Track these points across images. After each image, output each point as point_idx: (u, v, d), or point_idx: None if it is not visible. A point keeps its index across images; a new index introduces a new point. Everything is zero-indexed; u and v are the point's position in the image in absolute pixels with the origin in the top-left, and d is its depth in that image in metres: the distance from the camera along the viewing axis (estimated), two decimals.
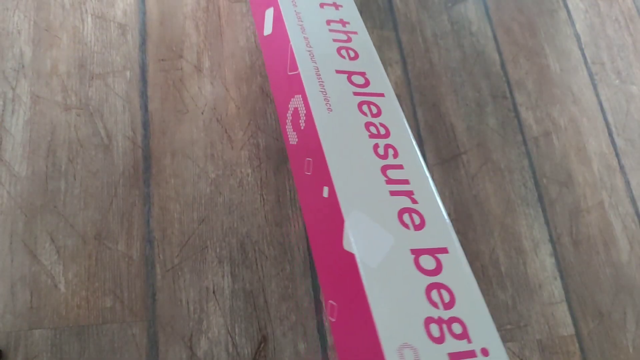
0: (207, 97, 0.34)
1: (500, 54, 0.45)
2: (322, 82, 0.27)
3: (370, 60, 0.30)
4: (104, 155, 0.31)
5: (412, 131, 0.39)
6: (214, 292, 0.29)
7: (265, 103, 0.35)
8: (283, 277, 0.31)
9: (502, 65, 0.45)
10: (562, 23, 0.50)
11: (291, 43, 0.28)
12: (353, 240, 0.23)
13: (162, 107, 0.33)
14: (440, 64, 0.42)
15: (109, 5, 0.34)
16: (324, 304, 0.31)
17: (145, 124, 0.32)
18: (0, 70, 0.31)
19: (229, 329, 0.29)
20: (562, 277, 0.38)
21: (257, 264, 0.31)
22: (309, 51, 0.28)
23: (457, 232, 0.36)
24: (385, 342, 0.21)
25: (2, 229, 0.28)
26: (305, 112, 0.27)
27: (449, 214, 0.37)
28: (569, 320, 0.37)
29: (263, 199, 0.32)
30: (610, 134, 0.46)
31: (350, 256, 0.23)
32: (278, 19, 0.30)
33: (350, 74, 0.28)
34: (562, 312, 0.37)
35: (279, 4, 0.30)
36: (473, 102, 0.42)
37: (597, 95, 0.47)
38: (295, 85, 0.28)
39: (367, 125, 0.27)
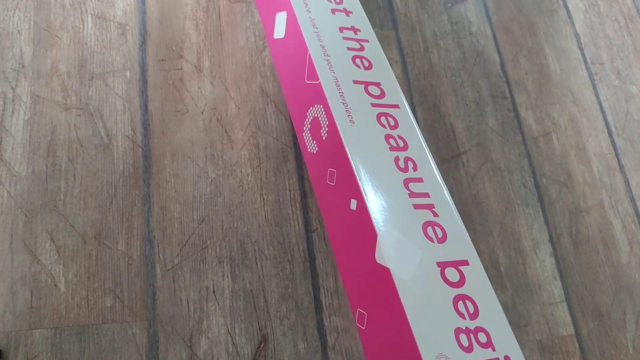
0: (207, 97, 0.34)
1: (500, 54, 0.45)
2: (342, 92, 0.28)
3: (383, 70, 0.30)
4: (104, 155, 0.31)
5: None
6: (214, 291, 0.29)
7: (265, 103, 0.35)
8: (283, 277, 0.31)
9: (502, 65, 0.45)
10: (561, 23, 0.50)
11: (310, 52, 0.29)
12: (387, 254, 0.24)
13: (162, 106, 0.33)
14: (440, 64, 0.42)
15: (109, 5, 0.34)
16: (323, 304, 0.31)
17: (145, 124, 0.32)
18: (1, 70, 0.31)
19: (229, 328, 0.29)
20: (561, 277, 0.38)
21: (257, 264, 0.31)
22: (326, 60, 0.29)
23: None
24: (424, 353, 0.21)
25: (2, 229, 0.28)
26: (327, 122, 0.27)
27: None
28: (568, 320, 0.37)
29: (263, 199, 0.32)
30: (610, 134, 0.46)
31: (384, 269, 0.24)
32: (292, 24, 0.30)
33: (366, 84, 0.29)
34: (561, 312, 0.37)
35: (294, 9, 0.30)
36: (473, 102, 0.42)
37: (597, 96, 0.47)
38: (315, 95, 0.28)
39: (387, 137, 0.27)
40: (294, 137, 0.35)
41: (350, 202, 0.26)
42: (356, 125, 0.27)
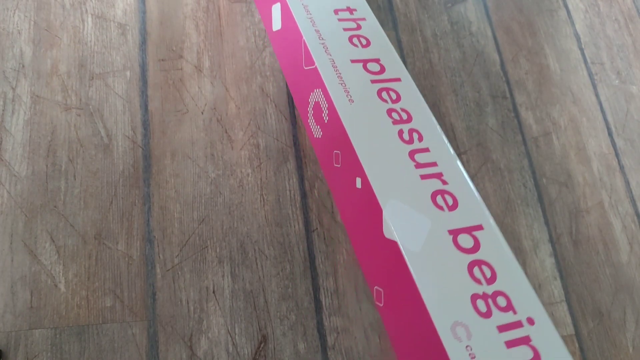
0: (207, 97, 0.34)
1: (500, 54, 0.45)
2: (339, 74, 0.28)
3: (382, 46, 0.30)
4: (104, 155, 0.31)
5: None
6: (214, 291, 0.29)
7: (265, 103, 0.35)
8: (283, 277, 0.31)
9: (502, 65, 0.45)
10: (561, 23, 0.50)
11: (304, 38, 0.29)
12: (393, 228, 0.24)
13: (162, 106, 0.33)
14: (440, 64, 0.42)
15: (109, 5, 0.34)
16: (323, 304, 0.31)
17: (146, 124, 0.32)
18: (1, 70, 0.31)
19: (229, 328, 0.29)
20: (561, 277, 0.38)
21: (257, 264, 0.31)
22: (322, 44, 0.29)
23: None
24: (438, 323, 0.21)
25: (2, 229, 0.28)
26: (327, 105, 0.28)
27: None
28: (568, 320, 0.37)
29: (263, 199, 0.32)
30: (610, 134, 0.46)
31: (393, 243, 0.24)
32: (286, 14, 0.31)
33: (365, 62, 0.29)
34: (561, 312, 0.37)
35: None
36: (473, 102, 0.42)
37: (597, 95, 0.47)
38: (314, 80, 0.28)
39: (389, 111, 0.27)
40: (294, 137, 0.35)
41: (355, 181, 0.26)
42: (356, 103, 0.27)
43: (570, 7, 0.51)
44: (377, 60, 0.29)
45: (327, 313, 0.31)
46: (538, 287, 0.37)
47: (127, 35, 0.34)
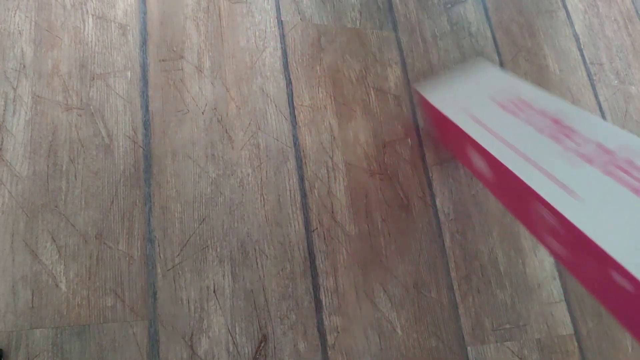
0: (208, 97, 0.34)
1: (499, 54, 0.45)
2: (551, 175, 0.25)
3: (584, 122, 0.27)
4: (105, 155, 0.31)
5: (411, 132, 0.39)
6: (214, 291, 0.30)
7: (265, 103, 0.35)
8: (283, 277, 0.31)
9: (502, 66, 0.45)
10: (561, 24, 0.50)
11: (509, 167, 0.27)
12: None
13: (163, 107, 0.33)
14: (439, 64, 0.42)
15: (109, 6, 0.34)
16: (323, 304, 0.31)
17: (146, 124, 0.32)
18: (2, 70, 0.31)
19: (230, 328, 0.29)
20: (560, 277, 0.38)
21: (257, 264, 0.31)
22: (524, 159, 0.27)
23: (456, 232, 0.37)
24: None
25: (3, 229, 0.28)
26: (555, 218, 0.25)
27: (447, 214, 0.37)
28: (567, 319, 0.37)
29: (263, 199, 0.33)
30: None
31: None
32: (479, 150, 0.30)
33: (579, 153, 0.26)
34: (561, 312, 0.37)
35: (474, 138, 0.30)
36: None
37: (596, 96, 0.47)
38: (530, 197, 0.26)
39: (626, 184, 0.23)
40: (294, 137, 0.35)
41: (611, 273, 0.23)
42: (582, 199, 0.24)
43: (569, 7, 0.51)
44: (595, 143, 0.26)
45: (327, 312, 0.31)
46: (537, 287, 0.37)
47: (127, 36, 0.34)
